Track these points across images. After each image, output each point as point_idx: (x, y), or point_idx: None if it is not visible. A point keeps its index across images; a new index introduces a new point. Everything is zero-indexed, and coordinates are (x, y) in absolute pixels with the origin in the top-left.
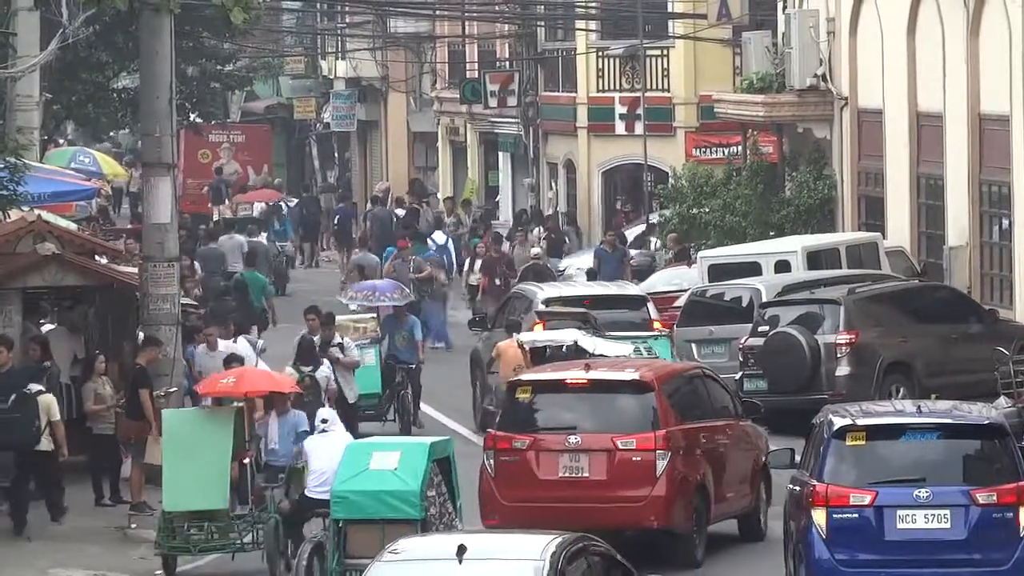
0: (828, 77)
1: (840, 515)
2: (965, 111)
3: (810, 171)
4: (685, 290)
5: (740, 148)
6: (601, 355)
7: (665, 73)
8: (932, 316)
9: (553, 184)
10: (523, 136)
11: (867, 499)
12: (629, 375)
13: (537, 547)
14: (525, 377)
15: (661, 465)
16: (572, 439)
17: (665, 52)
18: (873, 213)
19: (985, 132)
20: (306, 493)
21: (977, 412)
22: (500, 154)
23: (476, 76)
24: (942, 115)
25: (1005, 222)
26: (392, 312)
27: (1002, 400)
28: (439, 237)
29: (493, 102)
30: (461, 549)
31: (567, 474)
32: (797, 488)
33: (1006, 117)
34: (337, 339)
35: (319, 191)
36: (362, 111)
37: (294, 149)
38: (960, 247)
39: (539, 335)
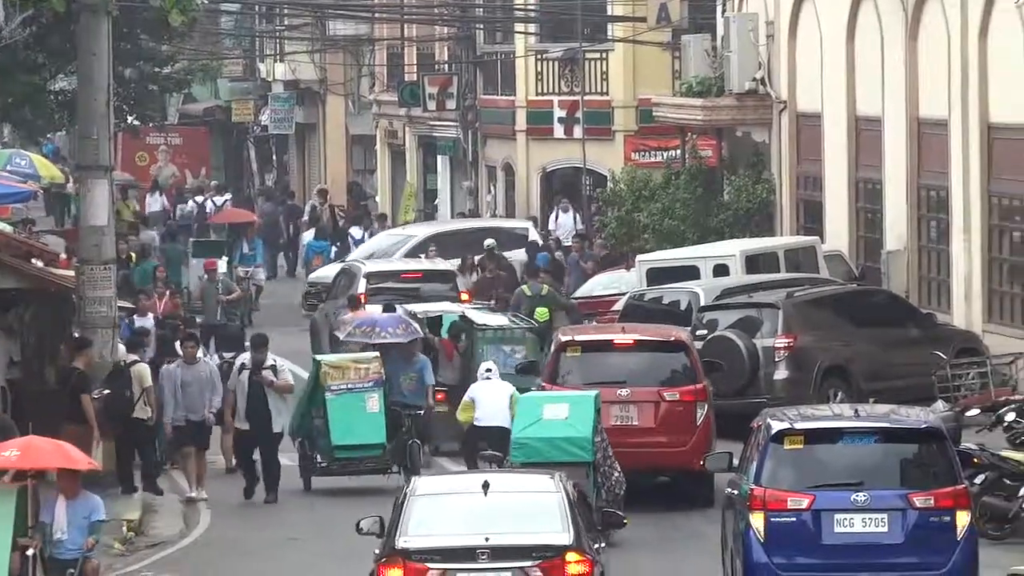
0: (767, 81)
1: (778, 519)
2: (903, 115)
3: (749, 175)
4: (623, 294)
5: (679, 152)
6: (484, 324)
7: (604, 76)
8: (870, 320)
9: (492, 187)
10: (462, 139)
11: (805, 503)
12: (670, 335)
13: (550, 482)
14: (578, 337)
15: (700, 414)
16: (622, 392)
17: (604, 55)
18: (811, 217)
19: (923, 136)
20: (476, 424)
21: (915, 416)
22: (439, 157)
23: (415, 79)
24: (881, 119)
25: (943, 226)
26: (397, 350)
27: (940, 404)
28: (356, 232)
29: (432, 105)
30: (486, 484)
31: (618, 422)
32: (735, 491)
33: (944, 121)
34: (270, 360)
35: (256, 194)
36: (300, 114)
37: (232, 152)
38: (898, 251)
39: (430, 307)
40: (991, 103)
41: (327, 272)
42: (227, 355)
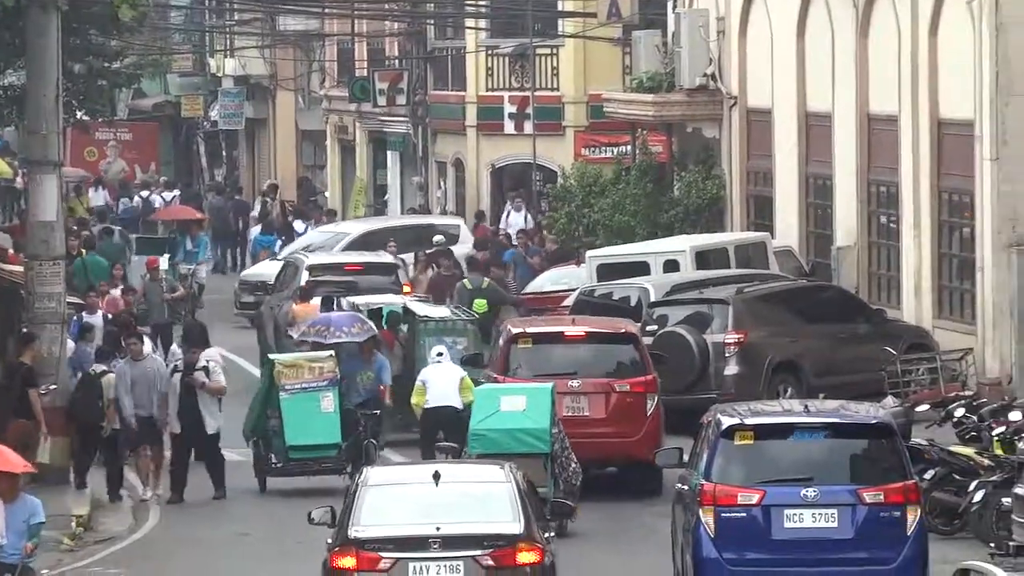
0: (718, 77)
1: (728, 514)
2: (854, 111)
3: (699, 171)
4: (573, 289)
5: (629, 147)
6: (426, 316)
7: (555, 72)
8: (820, 316)
9: (442, 183)
10: (412, 135)
11: (755, 498)
12: (620, 328)
13: (500, 472)
14: (529, 329)
15: (650, 405)
16: (573, 383)
17: (555, 51)
18: (762, 213)
19: (873, 132)
20: (426, 407)
21: (865, 412)
22: (389, 153)
23: (365, 74)
24: (831, 115)
25: (893, 222)
26: (354, 350)
27: (889, 399)
28: (299, 226)
29: (382, 100)
30: (437, 475)
31: (570, 413)
32: (685, 487)
33: (894, 117)
34: (202, 362)
35: (206, 189)
36: (250, 109)
37: (181, 147)
38: (848, 247)
39: (373, 299)
40: (941, 99)
41: (260, 270)
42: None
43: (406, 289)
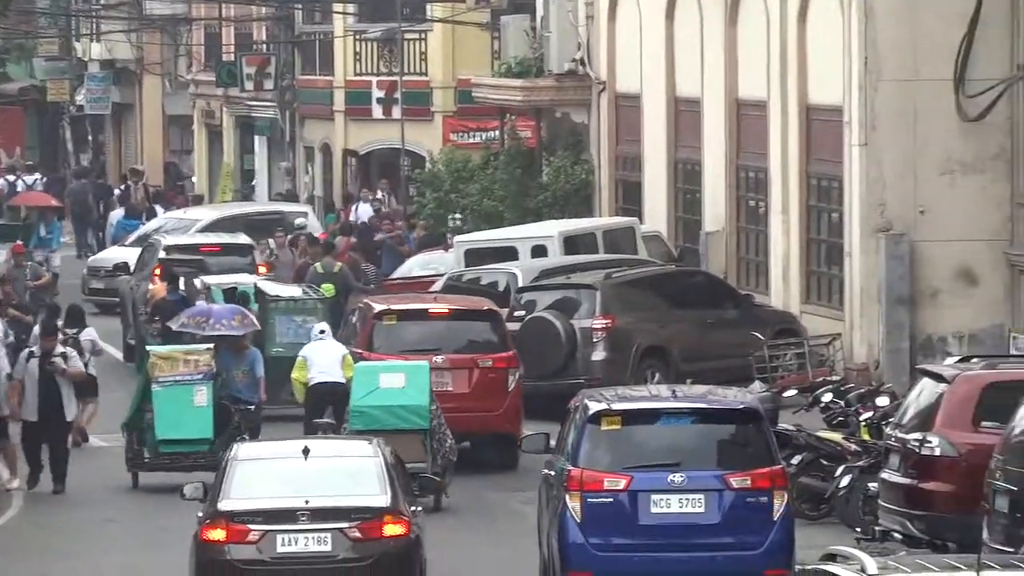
0: (586, 62)
1: (595, 499)
2: (723, 96)
3: (568, 156)
4: (441, 275)
5: (498, 133)
6: (276, 295)
7: (423, 57)
8: (688, 301)
9: (309, 168)
10: (280, 120)
11: (622, 483)
12: (482, 305)
13: (369, 447)
14: (394, 306)
15: (511, 381)
16: (438, 359)
17: (423, 36)
18: (630, 198)
19: (742, 118)
20: (311, 384)
21: (732, 397)
22: (256, 138)
23: (232, 59)
24: (700, 100)
25: (761, 207)
26: (230, 342)
27: (757, 385)
28: (161, 211)
29: (249, 85)
30: (306, 450)
31: (434, 388)
32: (552, 473)
33: (763, 103)
34: (59, 349)
35: (72, 174)
36: (117, 93)
37: (47, 132)
38: (717, 232)
39: (225, 279)
40: (810, 85)
41: (108, 255)
42: (71, 331)
43: (261, 270)
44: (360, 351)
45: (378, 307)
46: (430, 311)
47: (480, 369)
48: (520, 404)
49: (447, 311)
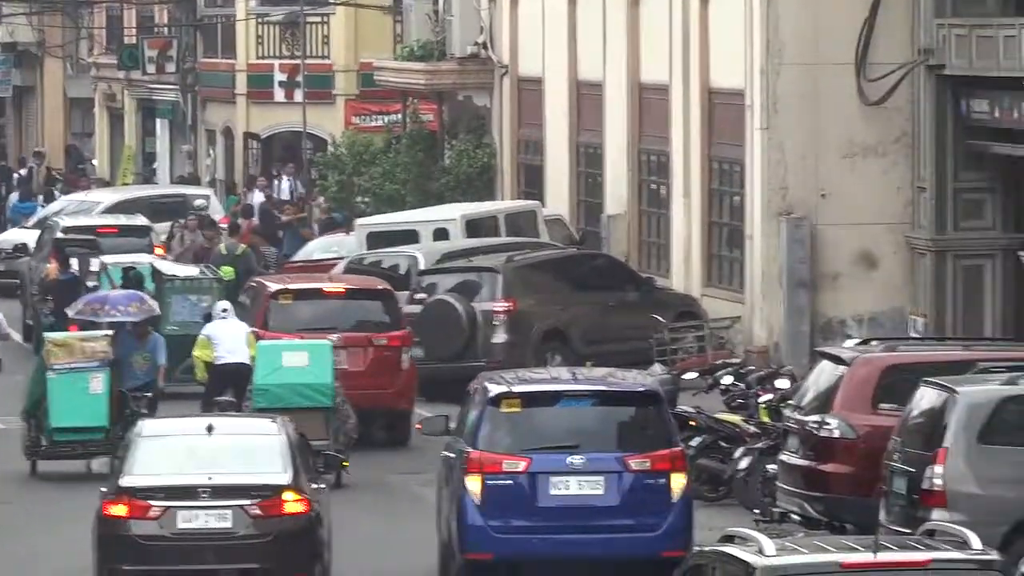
0: (489, 45)
1: (494, 482)
2: (625, 80)
3: (470, 139)
4: (343, 257)
5: (400, 116)
6: (173, 274)
7: (325, 40)
8: (590, 284)
9: (211, 151)
10: (181, 103)
11: (521, 466)
12: (376, 285)
13: (272, 425)
14: (290, 286)
15: (405, 358)
16: (333, 337)
17: (325, 19)
18: (532, 181)
19: (644, 101)
20: (217, 363)
21: (632, 379)
22: (158, 121)
23: (134, 42)
24: (602, 84)
25: (663, 190)
26: (129, 329)
27: (657, 367)
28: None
29: (151, 68)
30: (210, 427)
31: None
32: (452, 455)
33: (665, 86)
34: None
35: None
36: (18, 76)
37: None
38: (618, 215)
39: (122, 258)
40: (712, 68)
41: (7, 237)
42: None
43: (158, 251)
44: (255, 330)
45: (274, 286)
46: (325, 290)
47: (374, 347)
48: (414, 382)
49: (342, 290)
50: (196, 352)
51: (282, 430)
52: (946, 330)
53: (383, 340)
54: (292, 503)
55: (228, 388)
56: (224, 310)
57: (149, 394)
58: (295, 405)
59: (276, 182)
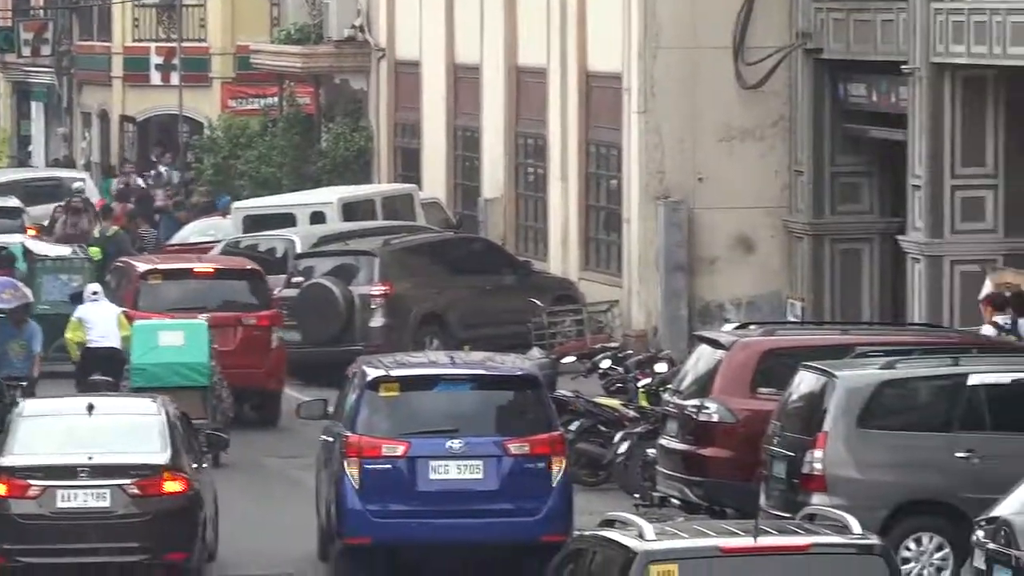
0: (366, 28)
1: (373, 466)
2: (502, 64)
3: (347, 123)
4: (219, 241)
5: (277, 99)
6: (43, 254)
7: (202, 23)
8: (467, 268)
9: (87, 134)
10: (57, 85)
11: (400, 450)
12: (245, 265)
13: (152, 405)
14: (160, 266)
15: (274, 338)
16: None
17: (202, 2)
18: (409, 165)
19: (522, 85)
20: (89, 346)
21: (510, 363)
22: (33, 103)
23: (10, 24)
24: (479, 67)
25: (540, 174)
26: (5, 316)
27: (535, 351)
28: None
29: (27, 51)
30: (90, 407)
31: None
32: (330, 439)
33: (543, 70)
34: None
35: None
36: None
37: None
38: (495, 199)
39: None
40: (590, 51)
41: None
42: None
43: (31, 233)
44: (125, 310)
45: (143, 266)
46: (194, 270)
47: (244, 327)
48: (283, 361)
49: (211, 270)
50: (68, 334)
51: (162, 410)
52: (824, 314)
53: (252, 320)
54: (170, 482)
55: (100, 371)
56: (95, 292)
57: (24, 383)
58: (172, 384)
59: (154, 169)
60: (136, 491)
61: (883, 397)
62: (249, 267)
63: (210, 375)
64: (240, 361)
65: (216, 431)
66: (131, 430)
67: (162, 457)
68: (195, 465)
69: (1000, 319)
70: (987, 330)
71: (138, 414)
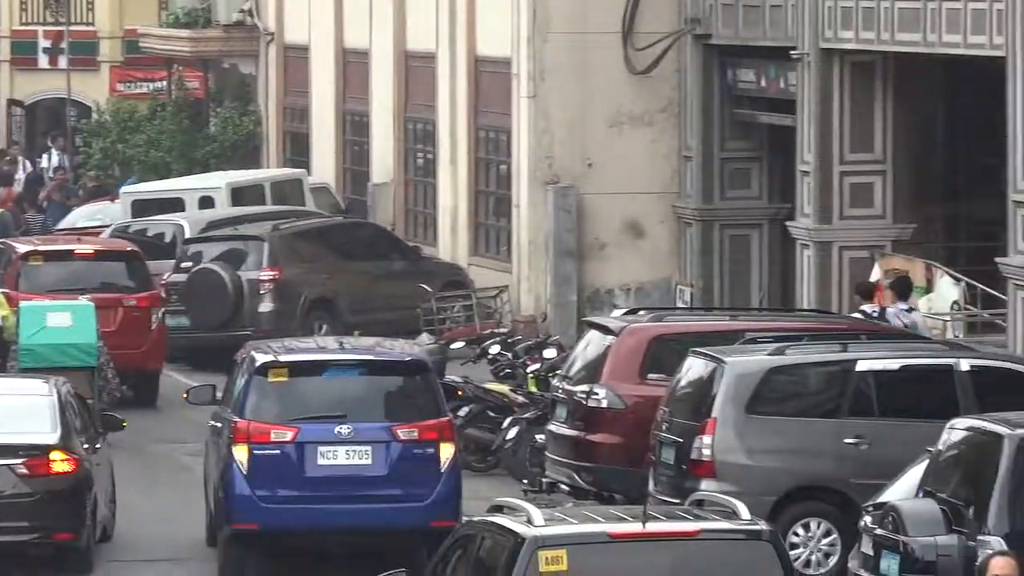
0: (255, 12)
1: (261, 451)
2: (391, 48)
3: (236, 107)
4: (108, 225)
5: (165, 83)
6: None
7: (90, 6)
8: (356, 253)
9: None
10: None
11: (289, 435)
12: (125, 247)
13: (44, 386)
14: (40, 248)
15: (155, 319)
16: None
17: None
18: (298, 150)
19: (411, 69)
20: None
21: (399, 349)
22: None
23: None
24: (368, 52)
25: (430, 159)
26: None
27: (424, 337)
28: None
29: None
30: None
31: None
32: (219, 424)
33: (432, 55)
34: None
35: None
36: None
37: None
38: (384, 184)
39: None
40: (479, 36)
41: None
42: None
43: None
44: (6, 291)
45: (23, 248)
46: (75, 252)
47: (124, 308)
48: (163, 342)
49: (91, 252)
50: None
51: (53, 390)
52: (713, 300)
53: (132, 301)
54: (60, 463)
55: None
56: None
57: None
58: (60, 364)
59: (46, 154)
60: (24, 471)
61: (772, 383)
62: (129, 248)
63: (98, 356)
64: (121, 341)
65: (103, 411)
66: (21, 410)
67: (51, 437)
68: (87, 446)
69: (868, 308)
70: (857, 317)
71: (29, 395)
